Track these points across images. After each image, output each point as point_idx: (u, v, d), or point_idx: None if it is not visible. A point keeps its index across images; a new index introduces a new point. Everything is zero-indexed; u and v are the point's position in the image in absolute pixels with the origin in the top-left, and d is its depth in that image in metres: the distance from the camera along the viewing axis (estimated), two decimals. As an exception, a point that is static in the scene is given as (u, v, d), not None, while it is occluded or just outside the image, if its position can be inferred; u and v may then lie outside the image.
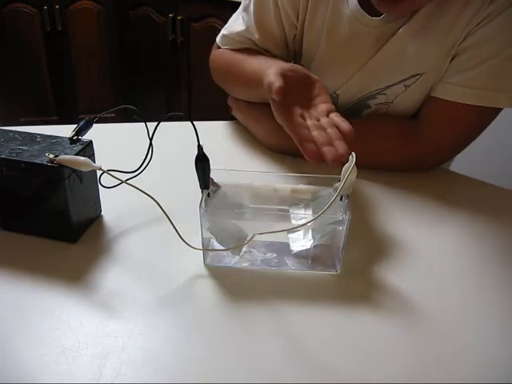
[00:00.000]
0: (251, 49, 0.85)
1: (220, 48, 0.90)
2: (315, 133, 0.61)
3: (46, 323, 0.50)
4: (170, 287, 0.55)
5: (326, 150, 0.59)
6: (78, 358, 0.46)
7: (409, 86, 0.78)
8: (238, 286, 0.56)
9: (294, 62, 0.90)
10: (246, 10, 0.84)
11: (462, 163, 0.99)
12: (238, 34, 0.85)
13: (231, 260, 0.58)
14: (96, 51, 2.22)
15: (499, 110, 0.73)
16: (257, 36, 0.83)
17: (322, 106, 0.66)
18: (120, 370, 0.45)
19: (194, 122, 0.54)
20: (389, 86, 0.79)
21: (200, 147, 0.55)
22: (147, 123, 0.59)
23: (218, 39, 0.90)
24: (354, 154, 0.54)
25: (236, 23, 0.86)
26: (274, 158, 0.81)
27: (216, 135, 0.89)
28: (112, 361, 0.46)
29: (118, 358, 0.46)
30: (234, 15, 0.88)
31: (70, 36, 2.16)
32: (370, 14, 0.73)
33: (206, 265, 0.58)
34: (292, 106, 0.65)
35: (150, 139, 0.57)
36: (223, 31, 0.88)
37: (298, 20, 0.80)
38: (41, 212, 0.59)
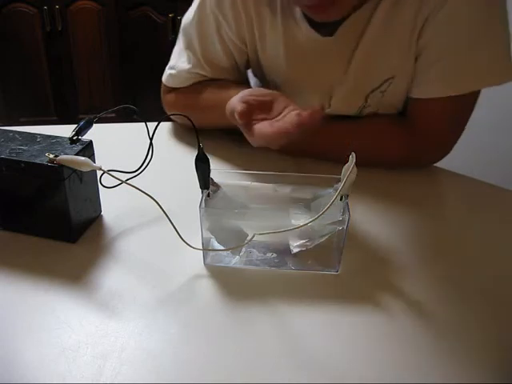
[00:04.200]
0: (203, 81, 0.83)
1: (169, 89, 0.87)
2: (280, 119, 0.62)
3: (45, 323, 0.50)
4: (170, 287, 0.55)
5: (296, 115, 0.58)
6: (78, 357, 0.46)
7: (385, 91, 0.79)
8: (237, 286, 0.56)
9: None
10: (189, 47, 0.82)
11: (463, 163, 0.99)
12: (188, 71, 0.83)
13: (231, 260, 0.58)
14: (96, 51, 2.22)
15: (479, 91, 0.75)
16: (207, 70, 0.82)
17: (290, 113, 0.64)
18: (120, 369, 0.45)
19: (194, 122, 0.54)
20: (367, 96, 0.80)
21: (200, 147, 0.55)
22: (147, 123, 0.59)
23: (164, 80, 0.87)
24: (353, 154, 0.54)
25: (181, 61, 0.84)
26: (274, 158, 0.81)
27: (216, 135, 0.89)
28: (112, 361, 0.46)
29: (118, 358, 0.46)
30: (175, 52, 0.85)
31: (69, 36, 2.16)
32: (322, 32, 0.74)
33: (206, 265, 0.58)
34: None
35: (150, 139, 0.57)
36: (169, 71, 0.85)
37: (246, 47, 0.81)
38: (41, 212, 0.59)
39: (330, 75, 0.79)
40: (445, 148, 0.81)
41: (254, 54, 0.82)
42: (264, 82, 0.89)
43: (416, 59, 0.75)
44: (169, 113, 0.89)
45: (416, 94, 0.77)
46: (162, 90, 0.90)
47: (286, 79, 0.83)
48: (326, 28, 0.74)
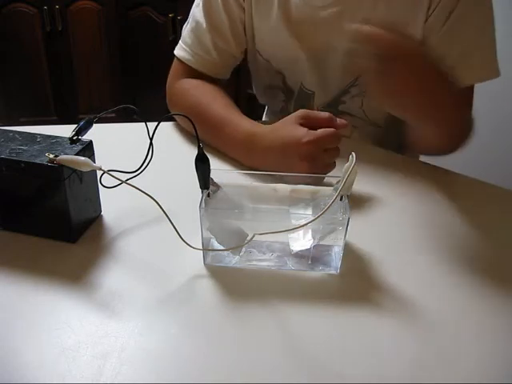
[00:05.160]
0: (214, 92, 0.85)
1: (178, 63, 0.89)
2: None
3: (45, 323, 0.50)
4: (170, 287, 0.55)
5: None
6: (78, 357, 0.46)
7: None
8: (238, 286, 0.56)
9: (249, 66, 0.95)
10: (197, 5, 0.87)
11: (463, 163, 0.99)
12: (191, 32, 0.86)
13: (231, 260, 0.58)
14: (96, 51, 2.22)
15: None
16: (205, 26, 0.85)
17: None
18: (120, 369, 0.45)
19: (194, 122, 0.54)
20: (359, 76, 0.82)
21: (200, 147, 0.55)
22: (147, 123, 0.59)
23: (176, 51, 0.90)
24: (353, 154, 0.54)
25: (188, 22, 0.89)
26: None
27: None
28: (112, 361, 0.46)
29: (118, 358, 0.46)
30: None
31: (69, 36, 2.16)
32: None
33: (205, 265, 0.58)
34: None
35: (150, 139, 0.57)
36: (179, 42, 0.90)
37: (244, 1, 0.84)
38: (41, 212, 0.59)
39: (317, 44, 0.82)
40: (468, 135, 0.80)
41: (249, 15, 0.85)
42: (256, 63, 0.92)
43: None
44: (169, 102, 0.91)
45: None
46: (170, 75, 0.91)
47: (285, 57, 0.86)
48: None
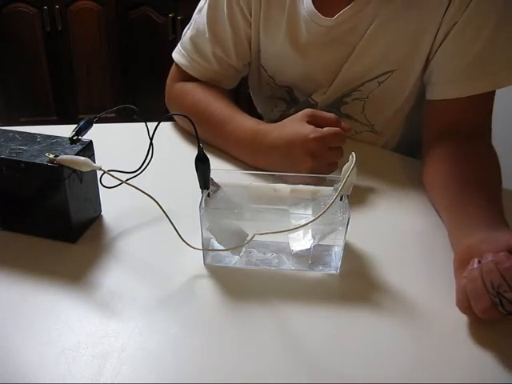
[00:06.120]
0: (214, 92, 0.84)
1: (177, 66, 0.88)
2: None
3: (45, 323, 0.50)
4: (170, 287, 0.55)
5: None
6: (78, 357, 0.46)
7: (382, 83, 0.80)
8: (238, 286, 0.56)
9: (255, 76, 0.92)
10: (199, 12, 0.85)
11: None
12: (190, 40, 0.85)
13: (231, 260, 0.58)
14: (96, 51, 2.22)
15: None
16: (207, 35, 0.83)
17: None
18: (120, 369, 0.45)
19: (194, 122, 0.54)
20: (362, 84, 0.81)
21: (200, 147, 0.55)
22: (147, 123, 0.59)
23: (173, 55, 0.89)
24: (353, 153, 0.54)
25: (189, 28, 0.87)
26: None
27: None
28: (112, 361, 0.46)
29: (118, 358, 0.46)
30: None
31: (70, 36, 2.16)
32: (326, 15, 0.76)
33: (205, 265, 0.58)
34: None
35: (150, 139, 0.57)
36: (179, 44, 0.89)
37: (251, 16, 0.82)
38: (41, 212, 0.59)
39: (327, 62, 0.81)
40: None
41: (258, 33, 0.83)
42: (258, 75, 0.91)
43: (431, 57, 0.75)
44: (168, 103, 0.90)
45: (455, 93, 0.75)
46: (169, 77, 0.90)
47: (289, 70, 0.85)
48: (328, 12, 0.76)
